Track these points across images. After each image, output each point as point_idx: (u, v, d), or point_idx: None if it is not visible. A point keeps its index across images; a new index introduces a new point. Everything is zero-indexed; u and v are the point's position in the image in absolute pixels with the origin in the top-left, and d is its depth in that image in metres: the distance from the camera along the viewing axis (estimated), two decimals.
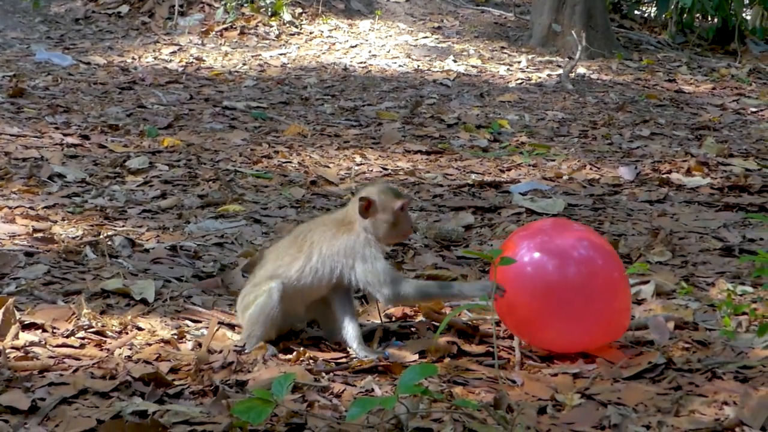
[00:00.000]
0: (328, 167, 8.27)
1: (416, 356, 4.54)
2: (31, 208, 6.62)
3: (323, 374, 4.25)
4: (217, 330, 4.60)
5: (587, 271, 4.45)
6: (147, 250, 5.95)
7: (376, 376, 4.29)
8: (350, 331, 4.58)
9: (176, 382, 4.10)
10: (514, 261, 4.15)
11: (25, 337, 4.44)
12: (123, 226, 6.43)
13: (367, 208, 4.48)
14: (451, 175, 8.23)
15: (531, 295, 4.38)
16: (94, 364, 4.22)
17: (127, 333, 4.64)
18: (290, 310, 4.57)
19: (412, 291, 4.44)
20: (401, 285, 4.43)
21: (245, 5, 15.16)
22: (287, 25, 15.10)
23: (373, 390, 4.10)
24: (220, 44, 14.38)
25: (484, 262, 5.69)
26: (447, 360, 4.47)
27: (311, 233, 4.56)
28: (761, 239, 6.55)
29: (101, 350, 4.42)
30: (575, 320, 4.42)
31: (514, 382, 4.28)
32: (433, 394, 3.60)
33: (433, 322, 4.85)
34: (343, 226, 4.54)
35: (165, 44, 14.20)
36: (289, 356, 4.48)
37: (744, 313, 4.31)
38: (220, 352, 4.38)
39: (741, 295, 5.50)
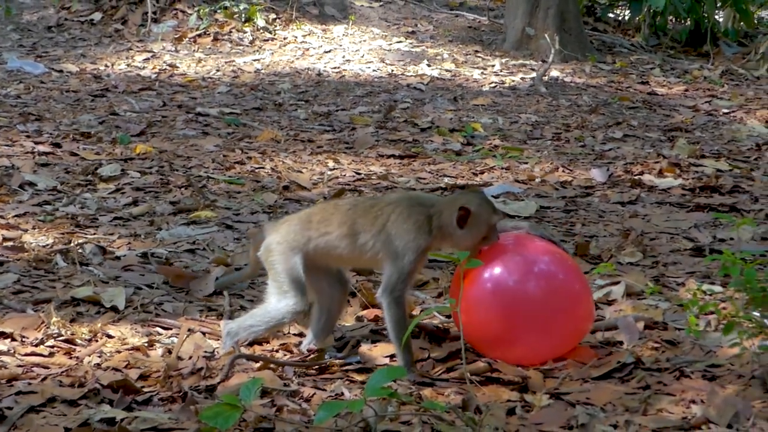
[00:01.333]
0: (301, 172, 8.27)
1: (387, 359, 4.55)
2: (1, 216, 6.59)
3: (293, 379, 4.25)
4: (187, 337, 4.59)
5: (548, 285, 4.44)
6: (118, 258, 5.93)
7: (345, 380, 4.30)
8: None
9: (145, 389, 4.09)
10: (480, 263, 4.16)
11: None
12: (94, 233, 6.41)
13: (464, 218, 4.37)
14: (424, 178, 8.24)
15: (497, 313, 4.36)
16: (62, 372, 4.21)
17: (96, 341, 4.63)
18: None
19: (397, 314, 4.39)
20: (400, 303, 4.39)
21: (218, 11, 15.14)
22: (261, 30, 15.09)
23: (342, 393, 4.11)
24: (194, 51, 14.36)
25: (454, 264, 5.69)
26: (417, 363, 4.47)
27: (391, 208, 4.48)
28: (731, 239, 6.60)
29: (70, 358, 4.41)
30: (543, 333, 4.42)
31: (485, 376, 4.29)
32: (401, 396, 3.60)
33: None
34: (428, 219, 4.43)
35: (138, 51, 14.17)
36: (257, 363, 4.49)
37: (711, 312, 4.33)
38: (190, 358, 4.38)
39: (710, 295, 5.53)
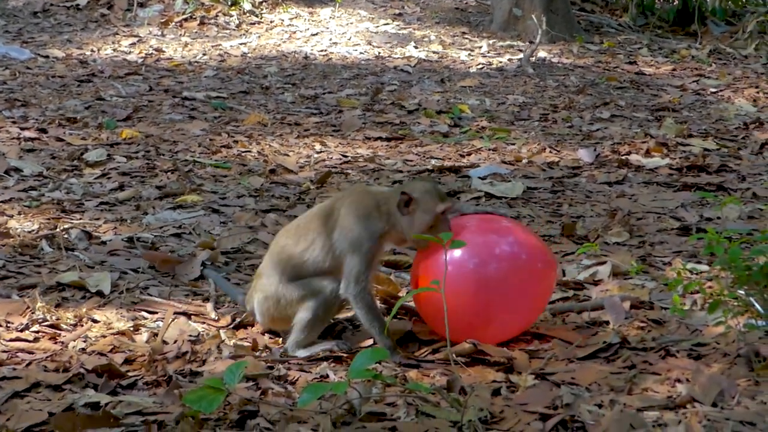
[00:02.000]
0: (288, 156, 8.25)
1: (371, 341, 4.54)
2: None
3: (278, 363, 4.24)
4: (173, 321, 4.58)
5: (509, 267, 4.40)
6: (104, 243, 5.92)
7: (331, 362, 4.29)
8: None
9: (130, 373, 4.09)
10: (464, 244, 4.14)
11: None
12: (80, 219, 6.40)
13: (407, 204, 4.37)
14: (411, 161, 8.23)
15: (460, 298, 4.27)
16: (47, 357, 4.20)
17: (82, 325, 4.62)
18: None
19: (366, 305, 4.37)
20: (365, 294, 4.37)
21: None
22: (247, 14, 15.03)
23: (327, 376, 4.10)
24: (180, 35, 14.29)
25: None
26: (403, 347, 4.47)
27: (342, 201, 4.48)
28: (718, 218, 6.60)
29: (55, 343, 4.40)
30: (507, 314, 4.42)
31: (470, 357, 4.29)
32: (385, 378, 3.60)
33: (390, 307, 4.84)
34: (379, 207, 4.42)
35: (124, 36, 14.10)
36: (246, 343, 4.49)
37: (696, 292, 4.32)
38: (175, 342, 4.36)
39: (696, 274, 5.53)
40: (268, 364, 4.21)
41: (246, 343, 4.50)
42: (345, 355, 4.34)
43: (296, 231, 4.52)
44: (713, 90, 11.94)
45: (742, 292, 4.16)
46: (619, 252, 5.91)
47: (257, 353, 4.41)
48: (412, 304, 4.72)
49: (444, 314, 4.02)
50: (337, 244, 4.41)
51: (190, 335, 4.46)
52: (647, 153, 8.56)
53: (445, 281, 4.08)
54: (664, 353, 4.31)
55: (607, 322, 4.78)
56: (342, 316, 4.87)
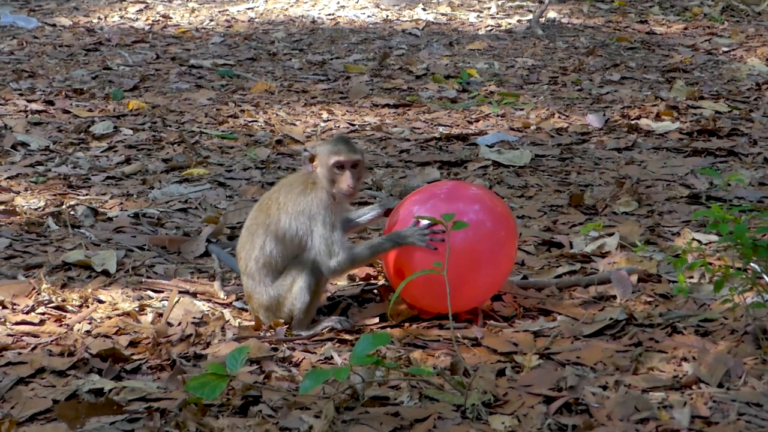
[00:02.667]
0: (295, 125, 8.20)
1: (377, 319, 4.53)
2: None
3: (283, 344, 4.23)
4: (177, 302, 4.57)
5: (475, 235, 4.37)
6: (110, 219, 5.91)
7: (335, 343, 4.28)
8: None
9: (134, 357, 4.08)
10: (467, 225, 4.11)
11: None
12: (86, 194, 6.39)
13: (311, 160, 4.46)
14: (418, 128, 8.18)
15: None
16: (52, 341, 4.21)
17: (87, 306, 4.61)
18: None
19: (350, 260, 4.38)
20: (342, 257, 4.37)
21: None
22: None
23: (332, 357, 4.10)
24: (187, 0, 14.21)
25: None
26: (407, 324, 4.46)
27: (277, 194, 4.49)
28: (729, 185, 6.54)
29: (60, 326, 4.40)
30: (470, 282, 4.40)
31: (475, 340, 4.28)
32: (386, 363, 3.58)
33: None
34: (308, 183, 4.45)
35: (131, 2, 14.03)
36: (250, 323, 4.49)
37: (702, 267, 4.27)
38: (179, 324, 4.36)
39: (706, 244, 5.50)
40: (273, 345, 4.20)
41: (250, 322, 4.49)
42: (349, 337, 4.33)
43: (248, 236, 4.50)
44: (725, 49, 11.81)
45: (755, 266, 4.07)
46: (627, 222, 5.87)
47: (261, 333, 4.39)
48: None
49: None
50: (291, 227, 4.40)
51: (195, 317, 4.45)
52: (657, 117, 8.49)
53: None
54: (671, 330, 4.30)
55: (614, 297, 4.76)
56: (347, 293, 4.86)
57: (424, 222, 4.28)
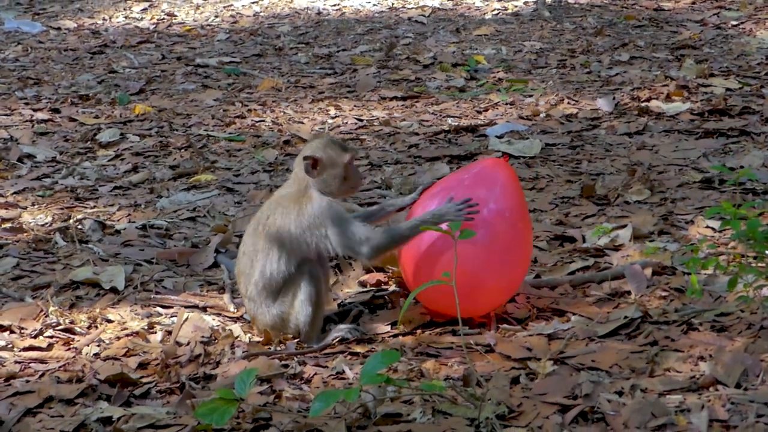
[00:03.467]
0: (302, 123, 8.14)
1: (388, 327, 4.48)
2: (0, 195, 6.53)
3: (294, 358, 4.18)
4: (186, 320, 4.52)
5: (492, 230, 4.31)
6: (118, 232, 5.86)
7: (347, 355, 4.23)
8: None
9: (143, 380, 4.04)
10: (474, 234, 4.02)
11: None
12: (94, 206, 6.34)
13: (313, 166, 4.35)
14: (427, 121, 8.10)
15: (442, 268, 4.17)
16: (60, 367, 4.17)
17: (96, 327, 4.57)
18: None
19: (388, 239, 4.30)
20: (377, 238, 4.29)
21: None
22: None
23: (344, 372, 4.04)
24: None
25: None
26: (419, 331, 4.40)
27: (272, 218, 4.43)
28: (741, 167, 6.44)
29: (69, 350, 4.36)
30: (500, 273, 4.35)
31: (488, 347, 4.22)
32: (396, 382, 3.52)
33: (407, 292, 4.75)
34: (301, 198, 4.40)
35: (136, 1, 13.98)
36: (260, 338, 4.44)
37: (716, 263, 4.19)
38: (188, 344, 4.30)
39: (720, 231, 5.42)
40: (283, 362, 4.15)
41: (260, 337, 4.43)
42: (360, 349, 4.27)
43: (248, 261, 4.42)
44: (734, 23, 11.68)
45: None
46: (639, 212, 5.79)
47: (270, 347, 4.34)
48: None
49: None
50: (303, 243, 4.34)
51: (204, 335, 4.39)
52: (668, 97, 8.39)
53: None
54: (687, 327, 4.23)
55: (629, 292, 4.69)
56: (358, 300, 4.81)
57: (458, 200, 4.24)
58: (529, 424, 3.50)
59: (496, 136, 7.44)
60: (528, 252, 4.53)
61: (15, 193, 6.59)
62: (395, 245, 4.38)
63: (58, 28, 12.60)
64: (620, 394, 3.66)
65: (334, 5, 13.35)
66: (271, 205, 4.46)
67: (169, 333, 4.48)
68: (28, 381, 4.05)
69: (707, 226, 5.48)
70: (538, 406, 3.62)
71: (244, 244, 4.49)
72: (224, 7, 13.53)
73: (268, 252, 4.35)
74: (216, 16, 13.02)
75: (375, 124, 8.07)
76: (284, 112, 8.43)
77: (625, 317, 4.34)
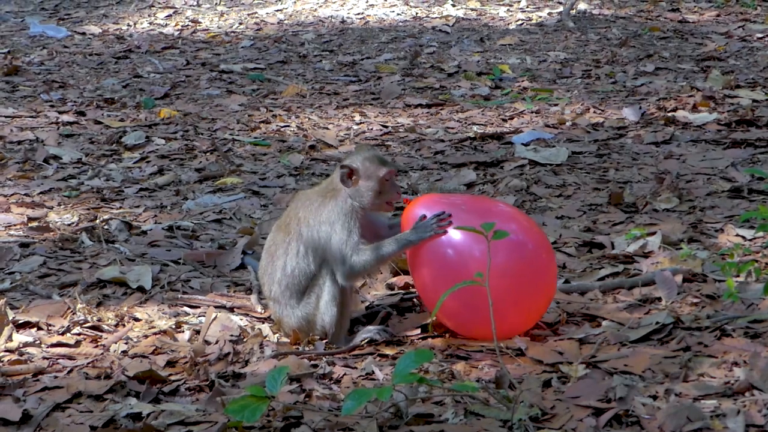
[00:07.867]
0: (327, 129, 8.13)
1: (418, 330, 4.45)
2: (26, 194, 6.54)
3: (323, 358, 4.15)
4: (215, 319, 4.50)
5: (519, 257, 4.25)
6: (144, 232, 5.86)
7: (376, 357, 4.20)
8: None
9: (172, 377, 4.02)
10: (507, 234, 3.98)
11: (19, 338, 4.36)
12: (120, 207, 6.34)
13: (349, 176, 4.34)
14: (452, 128, 8.08)
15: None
16: (88, 363, 4.14)
17: (123, 325, 4.55)
18: None
19: (374, 259, 4.29)
20: (366, 257, 4.28)
21: None
22: None
23: (373, 372, 4.01)
24: (216, 4, 14.17)
25: None
26: (448, 334, 4.36)
27: (295, 211, 4.42)
28: None
29: (96, 347, 4.35)
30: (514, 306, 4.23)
31: (519, 351, 4.18)
32: (429, 381, 3.48)
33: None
34: (327, 193, 4.39)
35: (160, 8, 14.01)
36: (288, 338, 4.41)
37: (754, 264, 4.15)
38: (216, 342, 4.28)
39: (751, 240, 5.38)
40: (312, 362, 4.12)
41: (288, 338, 4.41)
42: (389, 351, 4.24)
43: (269, 258, 4.43)
44: (760, 35, 11.63)
45: None
46: (668, 220, 5.75)
47: (299, 347, 4.32)
48: None
49: (489, 309, 3.86)
50: (313, 238, 4.32)
51: (232, 334, 4.37)
52: (694, 108, 8.35)
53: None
54: (720, 333, 4.18)
55: (659, 299, 4.65)
56: (387, 302, 4.78)
57: (429, 215, 4.21)
58: (563, 427, 3.47)
59: (522, 144, 7.41)
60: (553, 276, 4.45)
61: (41, 193, 6.59)
62: (366, 272, 4.38)
63: (83, 33, 12.62)
64: (654, 398, 3.61)
65: (358, 14, 13.34)
66: (298, 201, 4.46)
67: (197, 332, 4.46)
68: (56, 377, 4.03)
69: (737, 234, 5.44)
70: (571, 409, 3.58)
71: (267, 242, 4.49)
72: (248, 14, 13.54)
73: (288, 245, 4.35)
74: (240, 24, 13.03)
75: (400, 130, 8.05)
76: (309, 118, 8.42)
77: (657, 323, 4.29)
